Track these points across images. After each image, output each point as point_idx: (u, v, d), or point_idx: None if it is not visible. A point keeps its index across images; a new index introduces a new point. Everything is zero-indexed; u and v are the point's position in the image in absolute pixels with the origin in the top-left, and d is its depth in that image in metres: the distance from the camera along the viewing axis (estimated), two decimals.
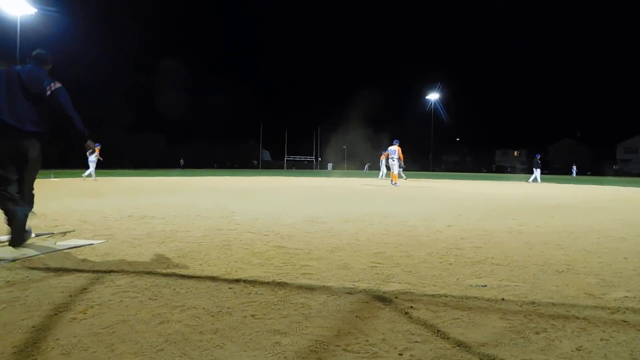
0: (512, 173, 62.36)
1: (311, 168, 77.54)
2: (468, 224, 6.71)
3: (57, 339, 2.19)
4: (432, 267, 3.88)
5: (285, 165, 77.61)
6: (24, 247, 4.41)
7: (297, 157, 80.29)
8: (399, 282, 3.34)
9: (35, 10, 35.92)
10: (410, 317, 2.58)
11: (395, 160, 20.28)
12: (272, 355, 2.05)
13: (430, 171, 56.30)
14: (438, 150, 72.24)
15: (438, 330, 2.37)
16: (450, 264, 4.01)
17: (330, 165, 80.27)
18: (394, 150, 20.53)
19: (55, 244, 4.65)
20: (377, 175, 25.20)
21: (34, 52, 4.66)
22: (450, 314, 2.65)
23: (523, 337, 2.31)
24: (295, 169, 71.88)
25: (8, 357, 1.98)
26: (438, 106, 71.62)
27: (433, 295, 3.01)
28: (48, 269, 3.60)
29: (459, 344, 2.20)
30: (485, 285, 3.28)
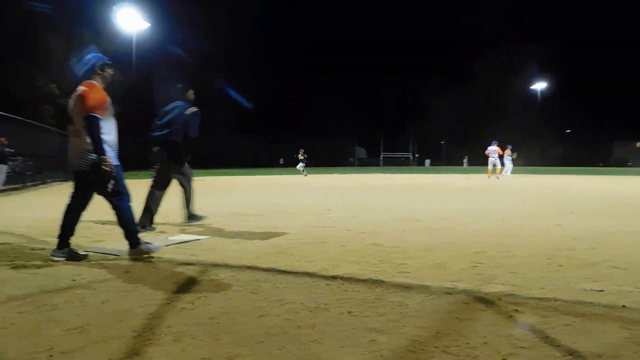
0: (634, 167, 56.16)
1: (408, 165, 76.19)
2: (581, 223, 6.18)
3: (169, 327, 2.36)
4: (539, 268, 3.63)
5: (381, 162, 77.05)
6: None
7: (394, 154, 79.35)
8: (502, 284, 3.16)
9: (149, 24, 39.20)
10: (514, 321, 2.43)
11: (497, 159, 21.52)
12: (368, 353, 2.04)
13: (537, 166, 52.72)
14: (546, 143, 67.20)
15: (547, 337, 2.20)
16: (560, 265, 3.72)
17: (427, 162, 78.27)
18: (494, 150, 21.78)
19: (167, 238, 5.04)
20: (483, 172, 24.29)
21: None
22: (560, 319, 2.45)
23: None
24: (392, 166, 71.11)
25: (128, 340, 2.18)
26: (544, 96, 66.93)
27: (540, 299, 2.81)
28: (161, 261, 3.91)
29: (571, 353, 2.03)
30: (602, 290, 2.99)
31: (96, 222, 6.39)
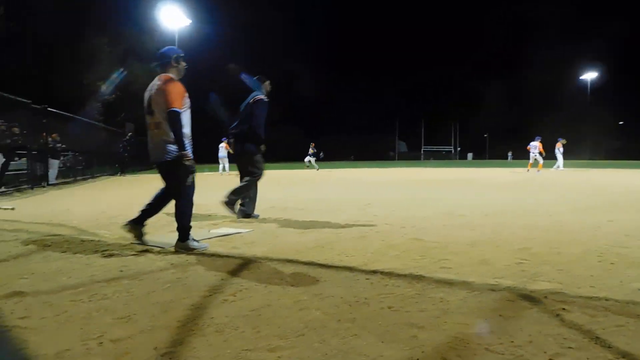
0: None
1: (450, 159, 74.79)
2: (635, 219, 5.89)
3: (212, 318, 2.42)
4: (589, 266, 3.49)
5: (422, 156, 75.96)
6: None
7: (435, 148, 78.06)
8: (549, 281, 3.06)
9: (190, 21, 40.03)
10: (562, 320, 2.34)
11: (538, 154, 21.49)
12: (409, 349, 2.02)
13: (587, 159, 50.53)
14: (597, 136, 64.20)
15: (597, 337, 2.12)
16: (612, 263, 3.56)
17: (470, 156, 76.63)
18: (535, 145, 21.69)
19: (209, 231, 5.15)
20: (525, 166, 23.61)
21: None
22: (611, 319, 2.35)
23: None
24: (433, 159, 70.02)
25: (173, 330, 2.25)
26: (595, 86, 64.02)
27: (590, 298, 2.70)
28: (203, 254, 4.00)
29: (624, 355, 1.94)
30: None
31: None
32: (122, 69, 34.10)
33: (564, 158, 23.46)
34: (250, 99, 6.13)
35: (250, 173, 6.17)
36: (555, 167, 23.06)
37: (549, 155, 22.40)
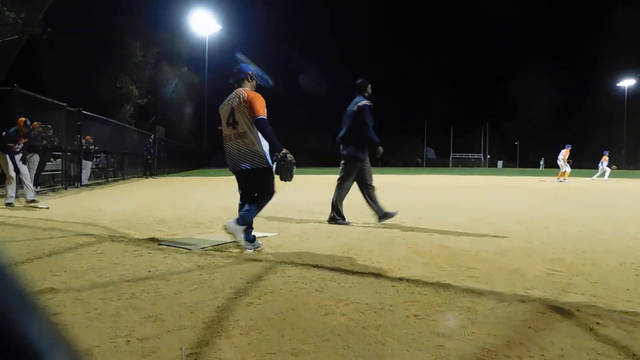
0: None
1: (479, 166, 73.57)
2: None
3: (237, 320, 2.43)
4: (625, 278, 3.36)
5: (450, 163, 74.98)
6: (215, 236, 5.02)
7: (464, 155, 76.93)
8: (582, 294, 2.96)
9: (220, 27, 40.69)
10: (596, 334, 2.26)
11: (563, 162, 20.48)
12: (434, 358, 1.98)
13: (623, 169, 48.93)
14: (634, 144, 62.04)
15: (633, 354, 2.03)
16: None
17: (500, 163, 75.18)
18: (562, 153, 20.78)
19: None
20: (556, 176, 22.67)
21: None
22: None
23: None
24: (462, 167, 69.01)
25: (198, 331, 2.27)
26: (633, 93, 61.97)
27: (626, 312, 2.60)
28: (230, 257, 4.03)
29: None
30: None
31: (171, 216, 6.72)
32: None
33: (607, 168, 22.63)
34: (353, 106, 6.10)
35: (344, 177, 6.22)
36: (595, 176, 22.31)
37: (587, 165, 21.76)
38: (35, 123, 9.73)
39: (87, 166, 15.19)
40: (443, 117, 76.93)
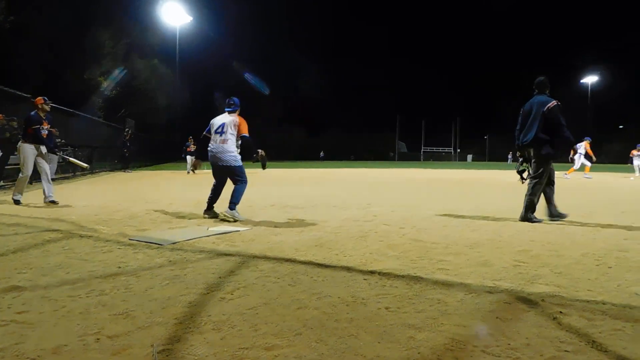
0: None
1: (449, 160, 74.66)
2: (634, 222, 5.89)
3: (209, 315, 2.42)
4: (587, 269, 3.49)
5: (422, 157, 75.88)
6: (186, 229, 4.98)
7: (435, 149, 77.96)
8: (547, 284, 3.06)
9: (191, 18, 40.06)
10: (559, 323, 2.35)
11: (583, 157, 19.17)
12: (406, 350, 2.02)
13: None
14: (597, 139, 63.81)
15: (593, 341, 2.12)
16: (610, 267, 3.56)
17: (470, 157, 76.47)
18: (581, 145, 19.35)
19: (207, 229, 5.15)
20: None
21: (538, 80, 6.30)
22: (609, 323, 2.35)
23: None
24: (433, 160, 69.91)
25: (170, 327, 2.25)
26: (595, 90, 63.83)
27: (588, 301, 2.70)
28: (202, 252, 4.00)
29: (621, 359, 1.94)
30: None
31: (142, 211, 6.61)
32: (123, 67, 34.09)
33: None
34: (541, 107, 5.96)
35: (539, 176, 6.03)
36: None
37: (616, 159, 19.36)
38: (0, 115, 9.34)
39: (54, 160, 14.75)
40: (415, 111, 77.73)
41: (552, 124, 5.91)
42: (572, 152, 19.08)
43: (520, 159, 6.31)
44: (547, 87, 6.23)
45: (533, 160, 6.14)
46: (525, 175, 6.02)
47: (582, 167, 19.34)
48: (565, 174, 18.49)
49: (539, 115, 5.96)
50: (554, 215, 6.04)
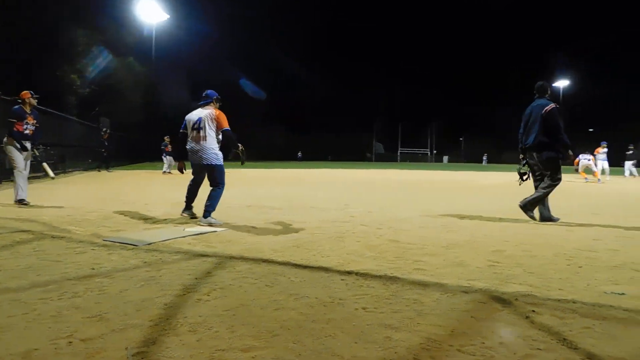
0: None
1: (426, 161, 75.53)
2: (605, 223, 6.06)
3: (186, 317, 2.39)
4: (559, 269, 3.57)
5: (398, 158, 76.57)
6: (166, 229, 4.91)
7: (411, 150, 78.80)
8: (520, 284, 3.12)
9: (168, 16, 39.55)
10: (532, 322, 2.40)
11: (589, 161, 18.59)
12: (382, 350, 2.04)
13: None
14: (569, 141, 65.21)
15: (564, 339, 2.17)
16: (580, 267, 3.66)
17: (446, 158, 77.49)
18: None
19: (183, 230, 5.10)
20: (504, 170, 20.60)
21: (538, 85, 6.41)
22: (579, 322, 2.41)
23: None
24: (409, 161, 70.60)
25: (146, 329, 2.22)
26: (567, 94, 65.36)
27: (559, 300, 2.77)
28: (178, 253, 3.95)
29: (590, 357, 2.00)
30: (624, 294, 2.93)
31: (117, 212, 6.50)
32: (98, 62, 33.48)
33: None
34: (540, 110, 6.12)
35: (551, 178, 6.16)
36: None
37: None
38: None
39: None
40: (392, 113, 78.34)
41: (550, 127, 6.08)
42: (575, 163, 17.89)
43: (524, 162, 6.39)
44: (546, 91, 6.42)
45: (539, 165, 6.28)
46: (525, 177, 6.14)
47: (589, 170, 18.50)
48: (599, 180, 17.77)
49: (538, 119, 6.14)
50: (545, 217, 6.18)
